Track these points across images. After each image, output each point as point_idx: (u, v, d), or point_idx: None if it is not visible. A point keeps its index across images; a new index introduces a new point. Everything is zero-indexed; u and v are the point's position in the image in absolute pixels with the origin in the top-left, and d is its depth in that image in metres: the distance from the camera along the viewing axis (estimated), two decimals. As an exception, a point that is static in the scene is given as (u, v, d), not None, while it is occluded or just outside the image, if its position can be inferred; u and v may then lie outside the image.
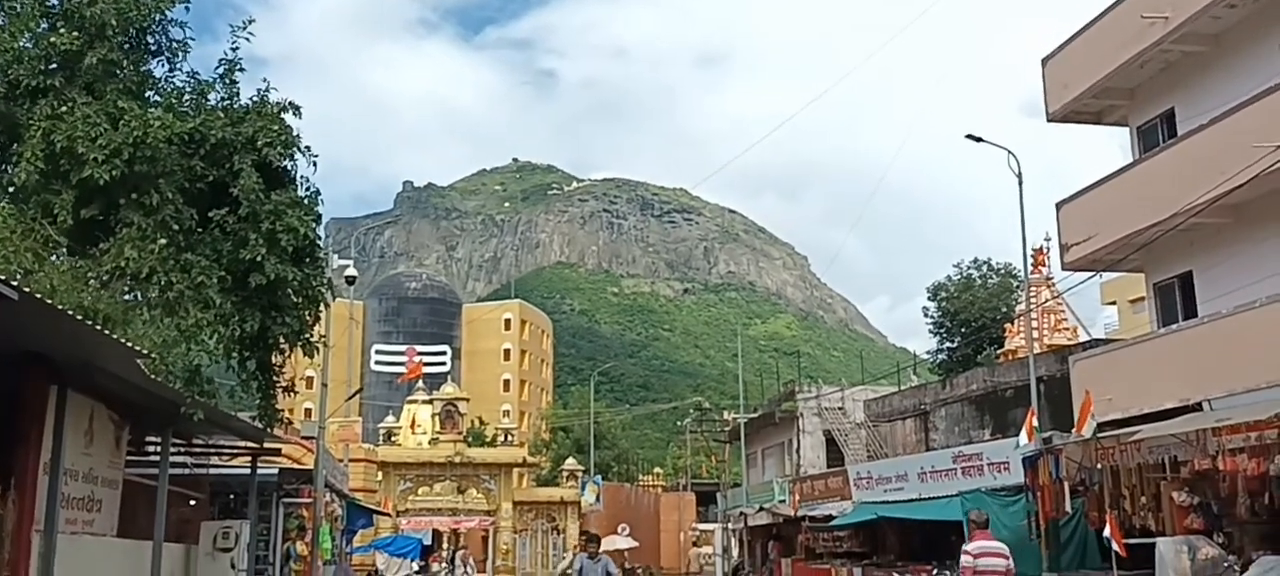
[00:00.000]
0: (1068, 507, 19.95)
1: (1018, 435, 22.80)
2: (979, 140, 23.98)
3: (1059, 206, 22.10)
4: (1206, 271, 19.69)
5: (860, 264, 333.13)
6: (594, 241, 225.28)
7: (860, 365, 58.42)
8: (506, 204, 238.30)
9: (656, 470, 76.14)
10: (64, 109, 12.56)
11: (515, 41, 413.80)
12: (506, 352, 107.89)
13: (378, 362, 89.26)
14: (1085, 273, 21.71)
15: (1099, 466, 19.58)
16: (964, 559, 10.60)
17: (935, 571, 22.30)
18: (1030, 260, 37.92)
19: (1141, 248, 20.05)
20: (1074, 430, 18.93)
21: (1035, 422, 20.57)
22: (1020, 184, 23.58)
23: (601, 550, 50.92)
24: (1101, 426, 18.86)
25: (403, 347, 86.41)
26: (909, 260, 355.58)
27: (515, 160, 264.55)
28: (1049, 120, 23.49)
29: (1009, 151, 23.69)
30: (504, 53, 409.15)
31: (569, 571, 15.63)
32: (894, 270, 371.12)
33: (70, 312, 9.67)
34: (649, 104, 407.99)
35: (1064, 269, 21.74)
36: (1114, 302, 51.37)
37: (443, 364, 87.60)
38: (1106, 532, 17.09)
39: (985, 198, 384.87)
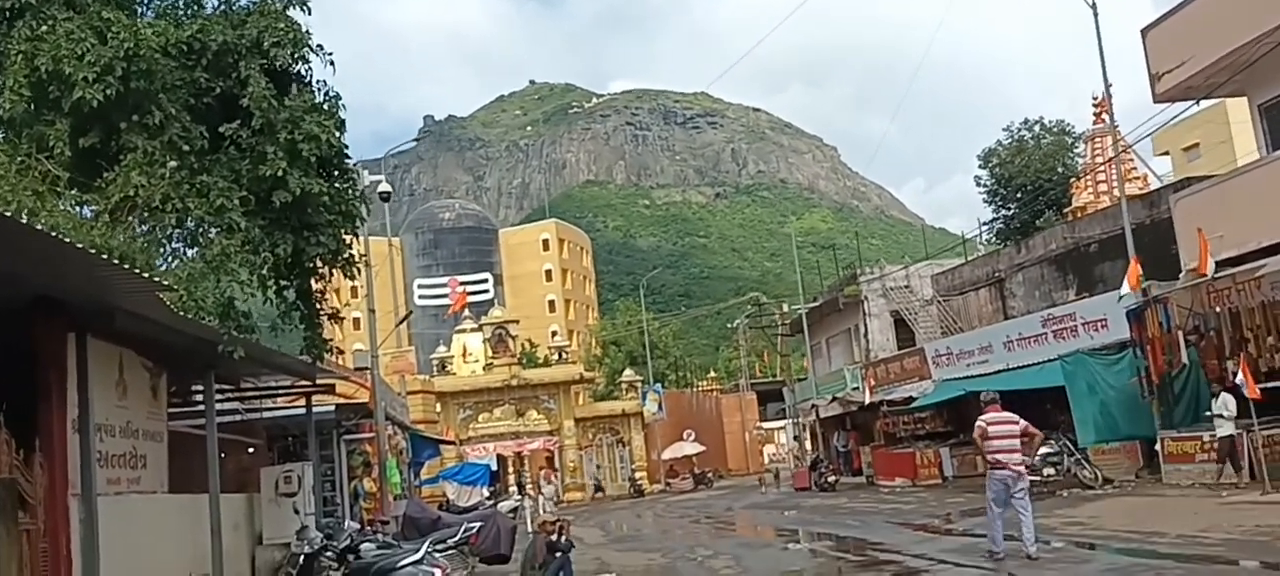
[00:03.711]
0: (1183, 358, 18.44)
1: (1114, 289, 21.23)
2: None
3: (1145, 33, 20.10)
4: (1320, 85, 17.79)
5: (892, 148, 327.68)
6: (620, 156, 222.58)
7: (900, 252, 56.37)
8: (529, 128, 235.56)
9: (711, 374, 75.26)
10: (44, 28, 11.12)
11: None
12: (548, 273, 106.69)
13: (421, 297, 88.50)
14: (1182, 103, 19.71)
15: (1216, 310, 18.00)
16: (977, 426, 11.95)
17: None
18: (1091, 110, 35.93)
19: (1244, 67, 18.08)
20: (1196, 270, 17.27)
21: (1140, 270, 18.92)
22: (1095, 14, 21.63)
23: (667, 457, 49.90)
24: (1216, 266, 17.26)
25: (444, 280, 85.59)
26: (942, 138, 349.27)
27: (532, 82, 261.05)
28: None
29: (1081, -23, 21.69)
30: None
31: None
32: (927, 151, 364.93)
33: (78, 246, 8.37)
34: (660, 4, 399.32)
35: (1156, 100, 19.76)
36: (1166, 153, 49.46)
37: (486, 291, 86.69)
38: (1239, 378, 15.59)
39: (1018, 62, 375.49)
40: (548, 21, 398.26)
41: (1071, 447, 20.35)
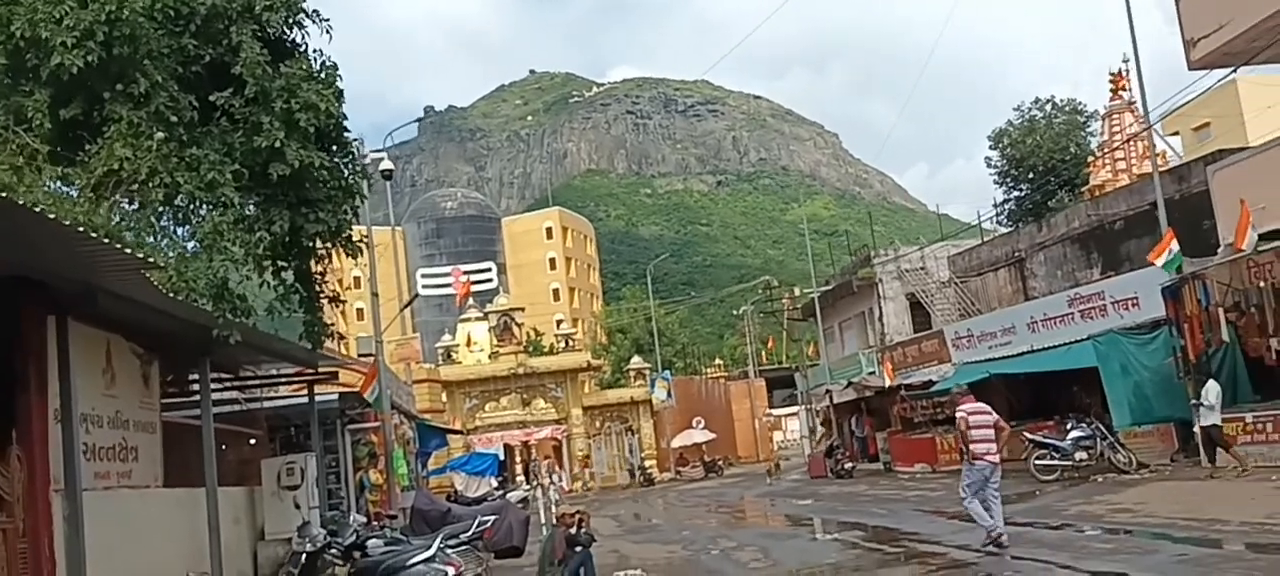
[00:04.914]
0: (1224, 336, 17.63)
1: (1141, 268, 20.47)
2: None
3: (1178, -1, 19.26)
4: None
5: (893, 134, 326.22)
6: (621, 145, 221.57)
7: (904, 237, 55.45)
8: (530, 117, 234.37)
9: (717, 361, 74.52)
10: (20, -8, 10.33)
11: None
12: (552, 261, 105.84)
13: (424, 287, 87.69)
14: (1220, 70, 18.87)
15: (1259, 285, 17.19)
16: (959, 417, 12.14)
17: (1069, 425, 20.04)
18: (1108, 87, 35.00)
19: (1289, 29, 17.28)
20: (1233, 245, 16.50)
21: (1176, 246, 18.09)
22: (1125, -18, 20.80)
23: (677, 445, 49.22)
24: (1260, 239, 16.47)
25: (447, 269, 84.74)
26: (943, 124, 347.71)
27: (532, 72, 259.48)
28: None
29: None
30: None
31: None
32: (928, 136, 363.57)
33: (52, 217, 7.61)
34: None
35: (1191, 68, 18.97)
36: (1176, 133, 48.66)
37: (489, 280, 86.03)
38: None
39: (1018, 46, 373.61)
40: (547, 11, 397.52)
41: (1105, 431, 19.57)
